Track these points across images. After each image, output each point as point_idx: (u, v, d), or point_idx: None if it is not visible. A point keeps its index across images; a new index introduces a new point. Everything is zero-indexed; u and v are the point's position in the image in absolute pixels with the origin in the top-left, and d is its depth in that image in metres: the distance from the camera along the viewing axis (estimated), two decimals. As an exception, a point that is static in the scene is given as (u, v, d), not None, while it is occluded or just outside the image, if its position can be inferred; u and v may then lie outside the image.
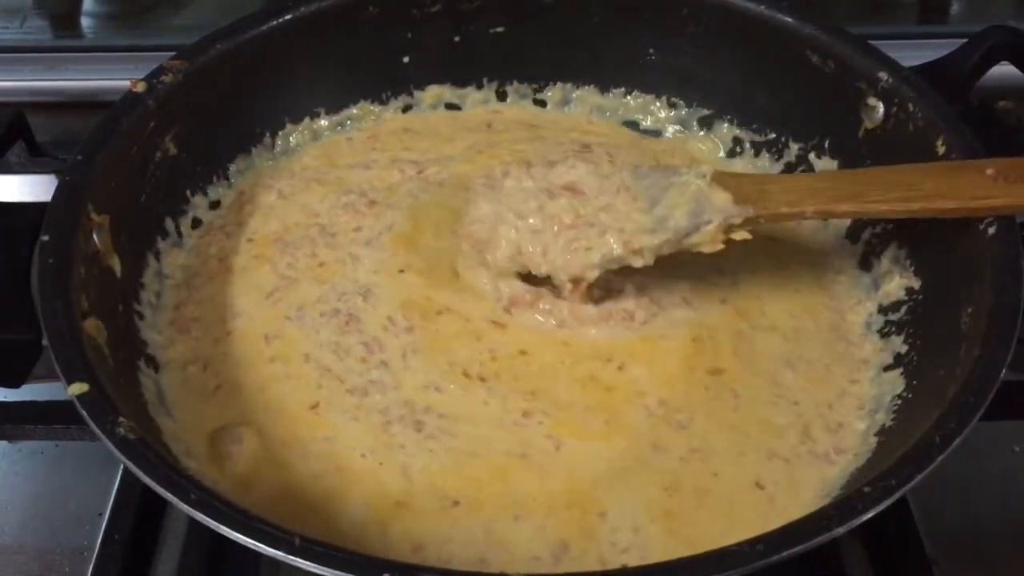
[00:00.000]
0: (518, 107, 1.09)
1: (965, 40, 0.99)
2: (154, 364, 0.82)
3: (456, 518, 0.72)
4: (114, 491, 0.86)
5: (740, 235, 0.82)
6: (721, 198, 0.82)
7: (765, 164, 1.01)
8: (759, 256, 0.91)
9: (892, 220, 0.88)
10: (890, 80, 0.89)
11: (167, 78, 0.90)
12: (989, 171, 0.79)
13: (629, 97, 1.07)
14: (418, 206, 0.95)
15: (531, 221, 0.84)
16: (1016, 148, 0.90)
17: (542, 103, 1.09)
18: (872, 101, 0.90)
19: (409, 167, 1.00)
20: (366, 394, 0.80)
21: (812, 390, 0.82)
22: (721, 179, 0.83)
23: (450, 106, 1.08)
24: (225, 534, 0.59)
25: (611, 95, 1.07)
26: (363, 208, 0.95)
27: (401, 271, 0.89)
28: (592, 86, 1.08)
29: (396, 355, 0.83)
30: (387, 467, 0.75)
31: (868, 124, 0.91)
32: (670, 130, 1.06)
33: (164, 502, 0.61)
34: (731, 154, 1.04)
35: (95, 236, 0.78)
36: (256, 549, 0.58)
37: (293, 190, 0.98)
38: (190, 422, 0.79)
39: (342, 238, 0.93)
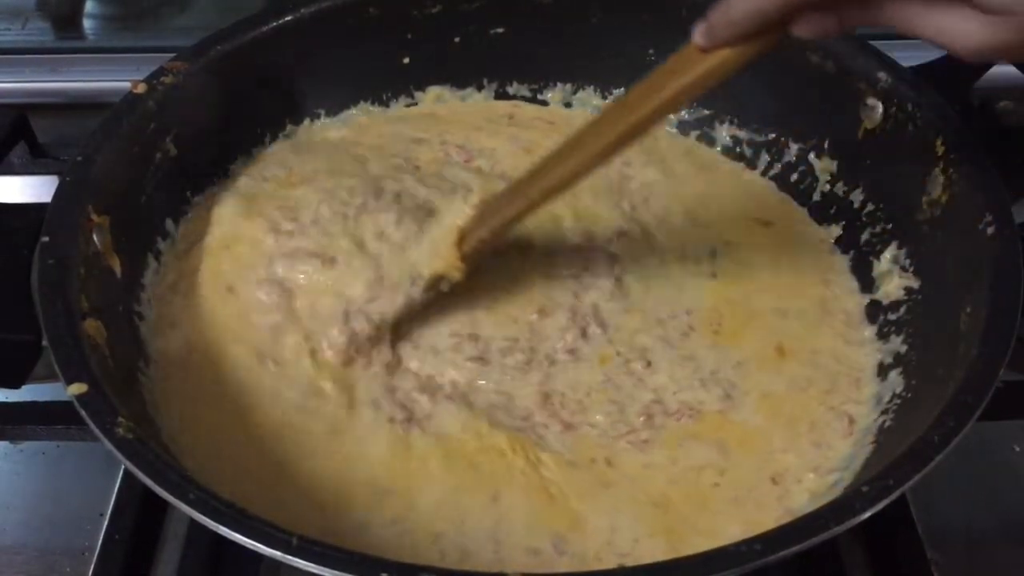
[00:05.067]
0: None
1: (965, 40, 0.99)
2: (156, 364, 0.82)
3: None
4: (115, 491, 0.86)
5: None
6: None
7: (764, 164, 1.01)
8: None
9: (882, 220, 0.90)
10: (889, 80, 0.89)
11: (168, 79, 0.90)
12: None
13: (630, 98, 1.08)
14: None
15: None
16: (1017, 148, 0.90)
17: (543, 103, 1.09)
18: (871, 101, 0.90)
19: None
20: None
21: (816, 401, 0.82)
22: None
23: (450, 107, 1.09)
24: (223, 534, 0.59)
25: (612, 96, 1.07)
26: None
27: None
28: (592, 87, 1.08)
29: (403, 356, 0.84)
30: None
31: (868, 124, 0.91)
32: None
33: (165, 502, 0.61)
34: (731, 155, 1.03)
35: (95, 237, 0.78)
36: (254, 549, 0.58)
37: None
38: (190, 423, 0.79)
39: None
